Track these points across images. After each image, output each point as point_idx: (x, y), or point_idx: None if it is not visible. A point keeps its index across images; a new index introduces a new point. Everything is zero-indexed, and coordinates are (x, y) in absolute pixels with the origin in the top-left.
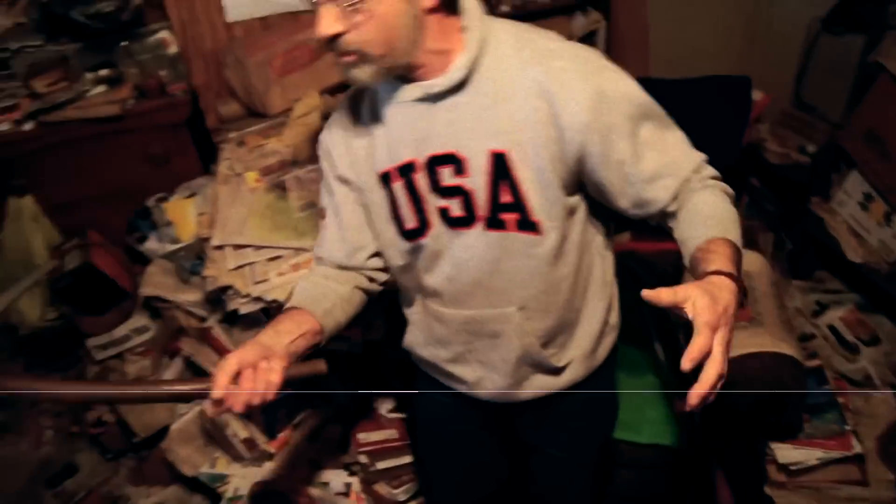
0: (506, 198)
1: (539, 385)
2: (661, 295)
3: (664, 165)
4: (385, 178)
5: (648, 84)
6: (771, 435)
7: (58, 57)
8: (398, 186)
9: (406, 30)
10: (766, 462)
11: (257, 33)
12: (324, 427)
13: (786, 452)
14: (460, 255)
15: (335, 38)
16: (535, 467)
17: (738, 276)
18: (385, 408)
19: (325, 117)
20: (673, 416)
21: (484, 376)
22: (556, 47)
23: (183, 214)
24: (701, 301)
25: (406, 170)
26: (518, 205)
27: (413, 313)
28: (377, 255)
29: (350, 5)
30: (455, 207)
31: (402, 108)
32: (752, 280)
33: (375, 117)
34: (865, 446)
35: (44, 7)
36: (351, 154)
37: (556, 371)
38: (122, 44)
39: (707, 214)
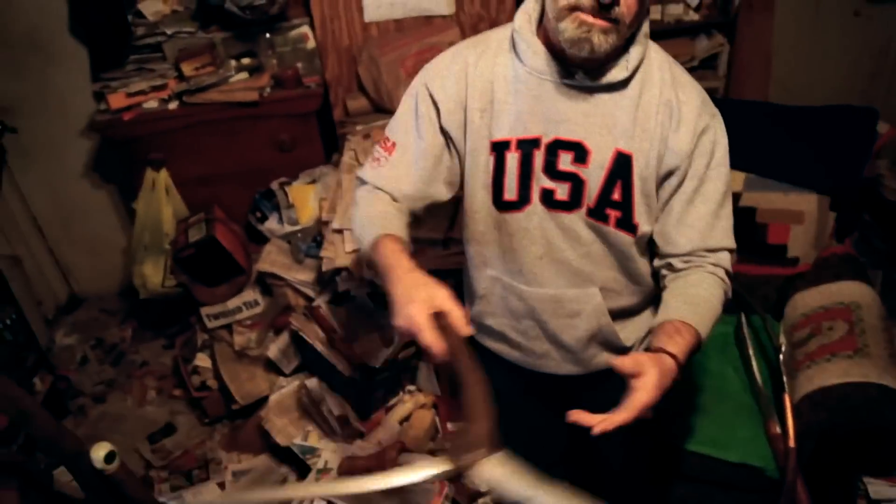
0: (616, 195)
1: (604, 361)
2: (624, 363)
3: (702, 224)
4: (499, 146)
5: (769, 109)
6: (866, 469)
7: (206, 43)
8: (512, 157)
9: (637, 20)
10: (857, 496)
11: (391, 34)
12: (415, 412)
13: (879, 488)
14: (555, 234)
15: (615, 3)
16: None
17: (683, 364)
18: None
19: None
20: (765, 439)
21: (551, 350)
22: (688, 81)
23: (304, 198)
24: (650, 382)
25: (528, 144)
26: (625, 205)
27: (485, 288)
28: (427, 208)
29: None
30: (561, 191)
31: (547, 87)
32: (860, 311)
33: (506, 83)
34: None
35: None
36: (463, 113)
37: (622, 350)
38: (266, 35)
39: (698, 297)
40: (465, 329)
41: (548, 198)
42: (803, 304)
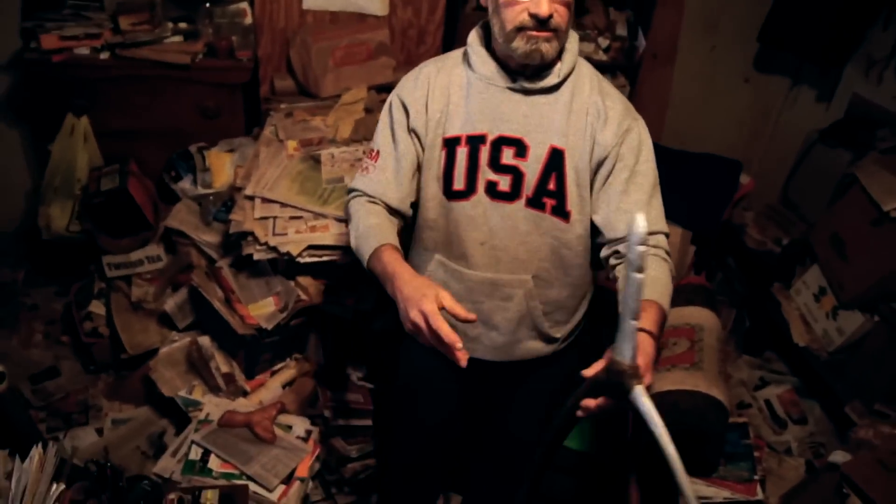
0: (551, 185)
1: (529, 349)
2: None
3: (637, 209)
4: (451, 142)
5: (656, 149)
6: (688, 468)
7: (147, 2)
8: (462, 151)
9: (571, 25)
10: (678, 493)
11: (326, 24)
12: (299, 378)
13: (698, 487)
14: (497, 223)
15: (551, 16)
16: (497, 426)
17: (658, 335)
18: (357, 374)
19: (368, 109)
20: (591, 426)
21: (483, 333)
22: (613, 91)
23: (221, 164)
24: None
25: (476, 140)
26: (559, 194)
27: (430, 270)
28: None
29: None
30: (503, 183)
31: (493, 91)
32: (702, 332)
33: (460, 89)
34: (768, 500)
35: None
36: (427, 113)
37: (549, 339)
38: (206, 5)
39: (650, 278)
40: (470, 316)
41: (491, 189)
42: None
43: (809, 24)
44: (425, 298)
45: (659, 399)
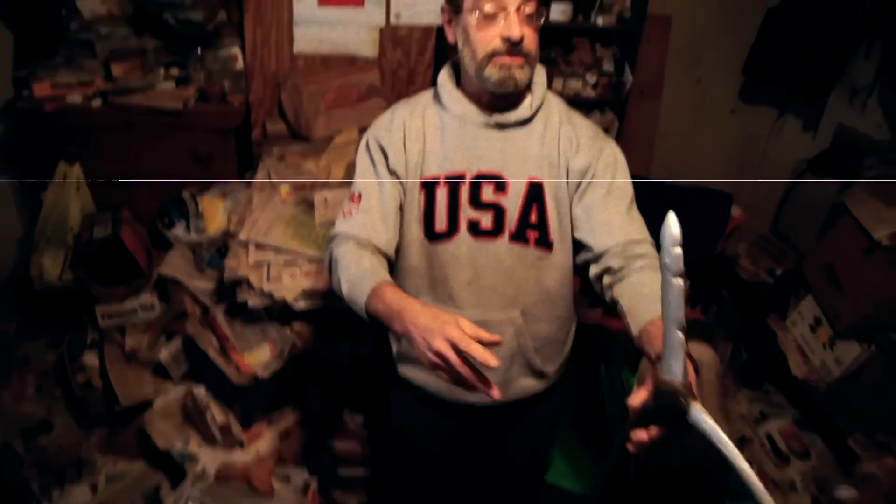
0: (532, 218)
1: (523, 387)
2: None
3: (619, 220)
4: (429, 184)
5: (646, 185)
6: None
7: (138, 49)
8: (441, 192)
9: (539, 53)
10: None
11: (317, 67)
12: (296, 427)
13: None
14: (482, 261)
15: (522, 40)
16: (493, 471)
17: (688, 351)
18: (355, 421)
19: None
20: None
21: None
22: (581, 119)
23: (214, 210)
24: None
25: (455, 179)
26: (541, 225)
27: None
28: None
29: (526, 18)
30: (485, 221)
31: (468, 128)
32: (700, 367)
33: (434, 130)
34: None
35: (139, 4)
36: (405, 155)
37: (541, 375)
38: (198, 51)
39: (655, 294)
40: (495, 338)
41: (474, 227)
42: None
43: (792, 56)
44: (447, 325)
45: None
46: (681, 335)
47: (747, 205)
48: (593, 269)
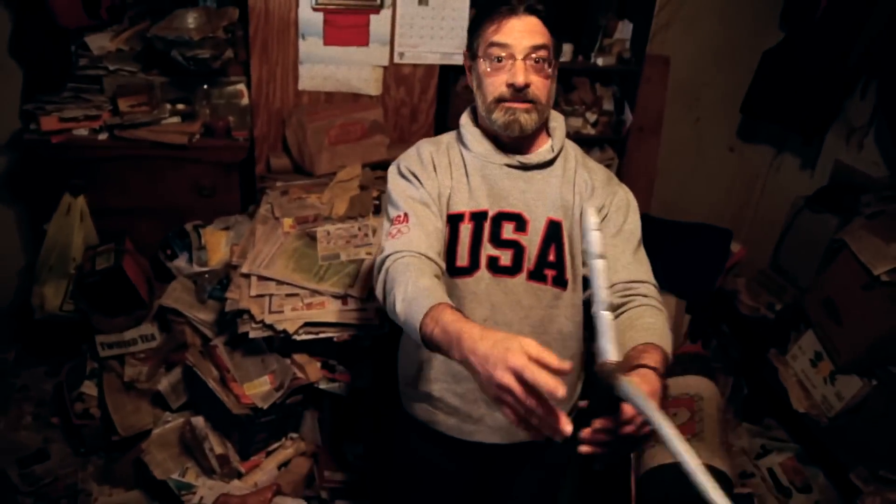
0: (551, 257)
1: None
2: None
3: (625, 260)
4: (455, 218)
5: (646, 220)
6: None
7: (145, 84)
8: (465, 228)
9: (551, 98)
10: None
11: (321, 104)
12: (295, 459)
13: None
14: (499, 298)
15: (527, 86)
16: None
17: (662, 374)
18: (354, 452)
19: (363, 187)
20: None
21: (487, 414)
22: (596, 165)
23: (217, 242)
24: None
25: (479, 216)
26: (559, 264)
27: (429, 351)
28: None
29: (536, 62)
30: (504, 258)
31: (491, 168)
32: (701, 402)
33: (459, 168)
34: None
35: (147, 41)
36: (438, 188)
37: None
38: (204, 86)
39: (647, 325)
40: (564, 366)
41: (493, 264)
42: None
43: (789, 96)
44: (510, 352)
45: (660, 472)
46: (608, 315)
47: (746, 240)
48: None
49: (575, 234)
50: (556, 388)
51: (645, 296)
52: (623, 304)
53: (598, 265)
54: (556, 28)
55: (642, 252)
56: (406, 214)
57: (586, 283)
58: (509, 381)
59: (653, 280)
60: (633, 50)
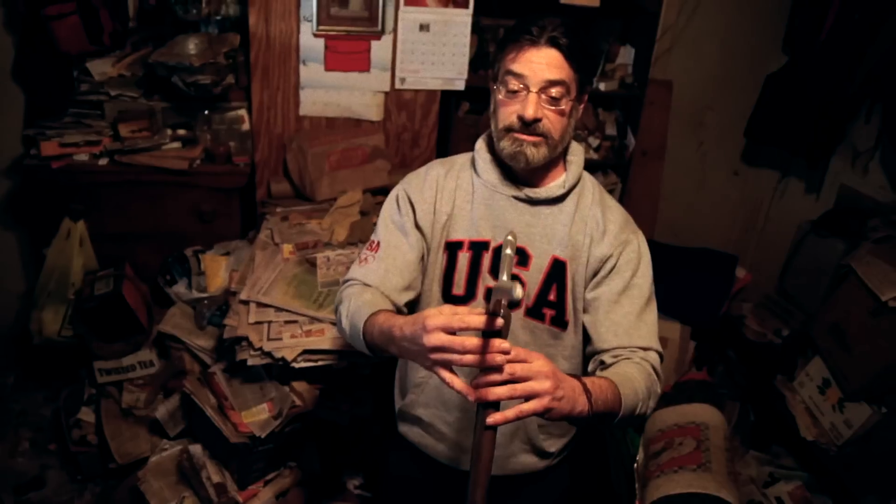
0: (551, 296)
1: (523, 464)
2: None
3: (627, 322)
4: (453, 246)
5: (651, 245)
6: None
7: (146, 110)
8: (464, 256)
9: (567, 134)
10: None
11: (322, 129)
12: (293, 488)
13: None
14: None
15: (537, 120)
16: None
17: (589, 392)
18: (353, 483)
19: (363, 213)
20: None
21: None
22: (614, 204)
23: (216, 268)
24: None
25: (479, 246)
26: (559, 304)
27: (421, 377)
28: (409, 303)
29: (549, 99)
30: None
31: (498, 198)
32: (708, 430)
33: (465, 194)
34: None
35: (149, 67)
36: (434, 214)
37: (543, 454)
38: (204, 112)
39: (621, 372)
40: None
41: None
42: (661, 420)
43: (793, 119)
44: (428, 318)
45: (667, 503)
46: (508, 252)
47: (751, 264)
48: (591, 365)
49: (579, 276)
50: (479, 315)
51: (642, 358)
52: (614, 363)
53: (506, 255)
54: (580, 64)
55: (650, 313)
56: (378, 244)
57: (586, 333)
58: (437, 339)
59: (657, 346)
60: (635, 74)
